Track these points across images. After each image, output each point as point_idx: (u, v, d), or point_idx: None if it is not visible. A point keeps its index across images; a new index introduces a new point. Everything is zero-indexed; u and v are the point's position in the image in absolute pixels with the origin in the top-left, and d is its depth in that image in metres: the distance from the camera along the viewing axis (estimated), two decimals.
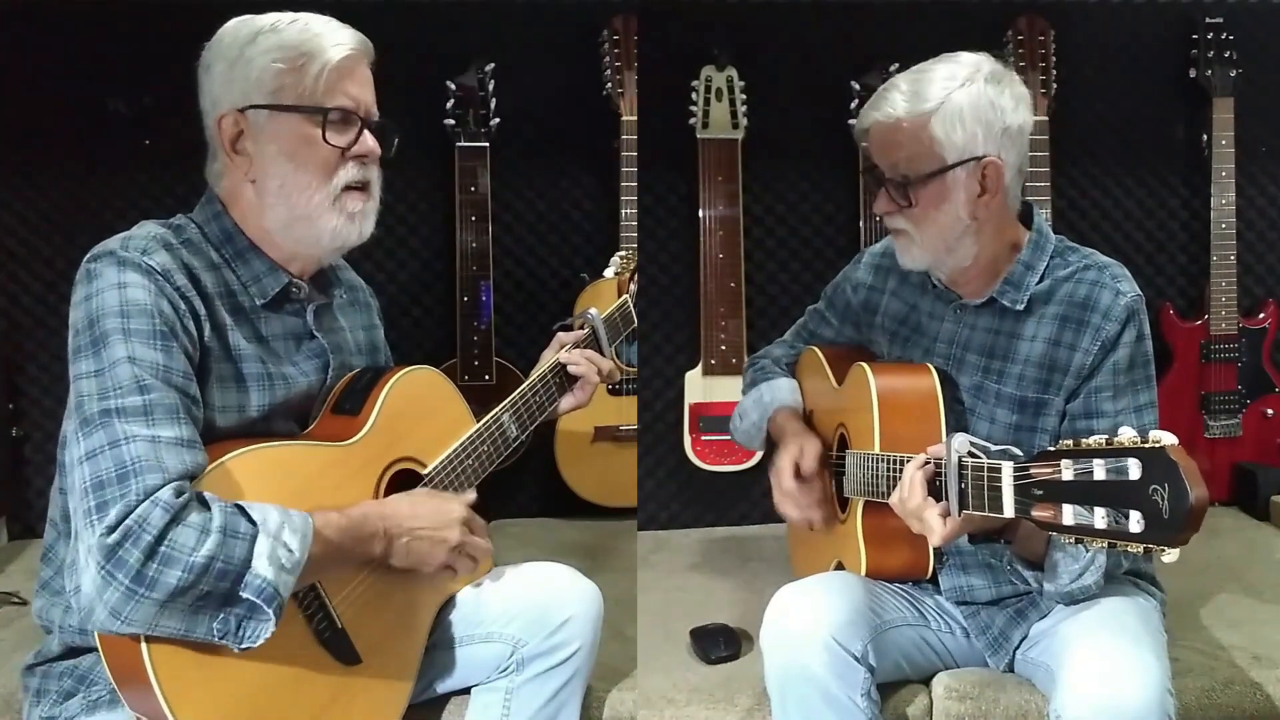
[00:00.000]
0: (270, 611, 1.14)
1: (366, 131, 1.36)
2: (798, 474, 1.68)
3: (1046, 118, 2.43)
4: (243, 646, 1.15)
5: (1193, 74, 2.52)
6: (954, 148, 1.46)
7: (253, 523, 1.16)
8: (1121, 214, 2.62)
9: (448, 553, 1.37)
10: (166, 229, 1.32)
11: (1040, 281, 1.55)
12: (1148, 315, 1.54)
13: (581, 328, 1.72)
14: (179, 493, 1.13)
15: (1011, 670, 1.59)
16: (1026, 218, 1.59)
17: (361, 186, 1.37)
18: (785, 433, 1.77)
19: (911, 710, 1.59)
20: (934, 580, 1.62)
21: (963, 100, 1.45)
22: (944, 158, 1.46)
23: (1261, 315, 2.58)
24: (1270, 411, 2.59)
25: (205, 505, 1.15)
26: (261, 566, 1.14)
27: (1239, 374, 2.56)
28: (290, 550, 1.16)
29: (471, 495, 1.47)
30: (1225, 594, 2.03)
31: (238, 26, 1.34)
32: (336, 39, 1.34)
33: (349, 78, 1.34)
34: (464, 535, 1.38)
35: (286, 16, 1.34)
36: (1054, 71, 2.45)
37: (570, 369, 1.67)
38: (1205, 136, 2.52)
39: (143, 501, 1.11)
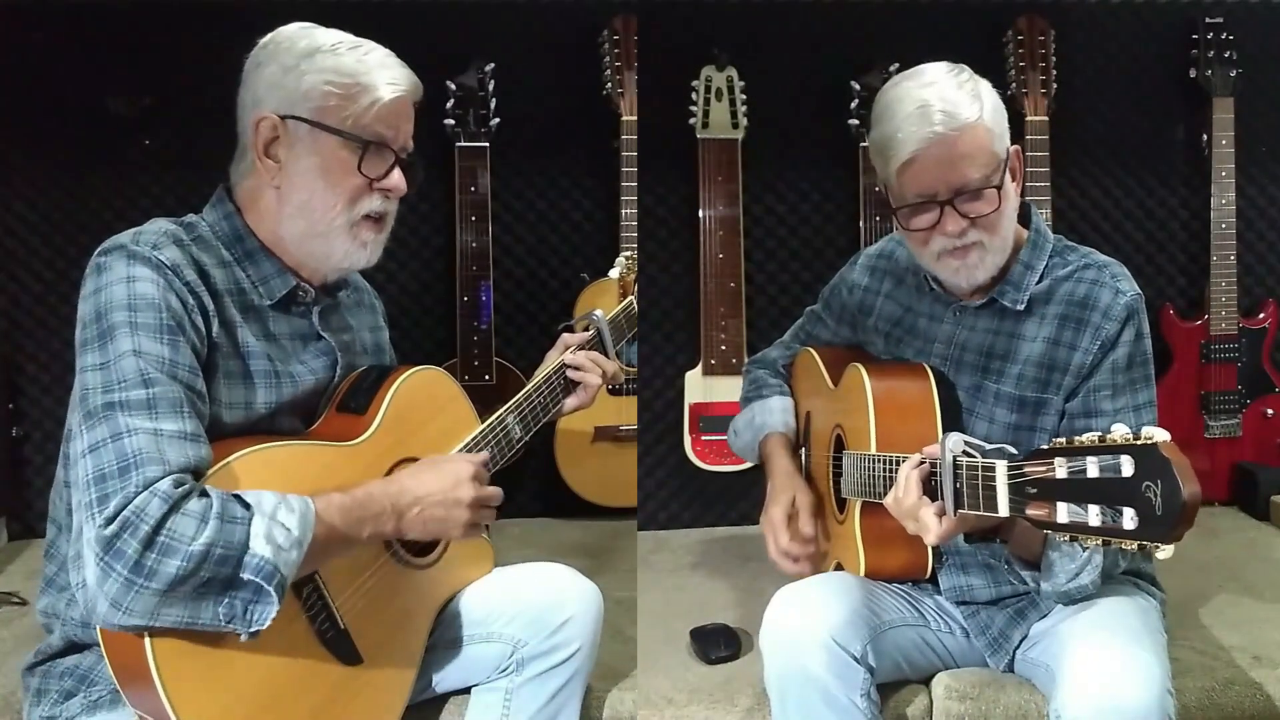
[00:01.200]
0: (272, 590, 1.14)
1: (398, 168, 1.37)
2: (791, 524, 1.68)
3: (1046, 118, 2.43)
4: (251, 630, 1.15)
5: (1193, 74, 2.52)
6: (1001, 140, 1.47)
7: (247, 506, 1.16)
8: (1121, 214, 2.62)
9: (467, 511, 1.36)
10: (178, 225, 1.33)
11: (1040, 281, 1.55)
12: (1148, 315, 1.54)
13: (586, 329, 1.72)
14: (178, 483, 1.13)
15: (1011, 670, 1.59)
16: (1023, 217, 1.59)
17: (379, 218, 1.39)
18: (776, 473, 1.76)
19: (911, 710, 1.59)
20: (933, 580, 1.62)
21: (988, 93, 1.46)
22: (999, 153, 1.46)
23: (1261, 315, 2.59)
24: (1270, 411, 2.59)
25: (205, 494, 1.15)
26: (259, 546, 1.14)
27: (1239, 374, 2.56)
28: (288, 529, 1.16)
29: (484, 455, 1.46)
30: (1225, 594, 2.02)
31: (298, 35, 1.35)
32: (391, 77, 1.35)
33: (395, 114, 1.36)
34: (478, 489, 1.37)
35: (348, 40, 1.36)
36: (1054, 71, 2.45)
37: (574, 371, 1.67)
38: (1205, 136, 2.52)
39: (141, 493, 1.11)
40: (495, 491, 1.41)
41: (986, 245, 1.49)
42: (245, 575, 1.13)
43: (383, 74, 1.35)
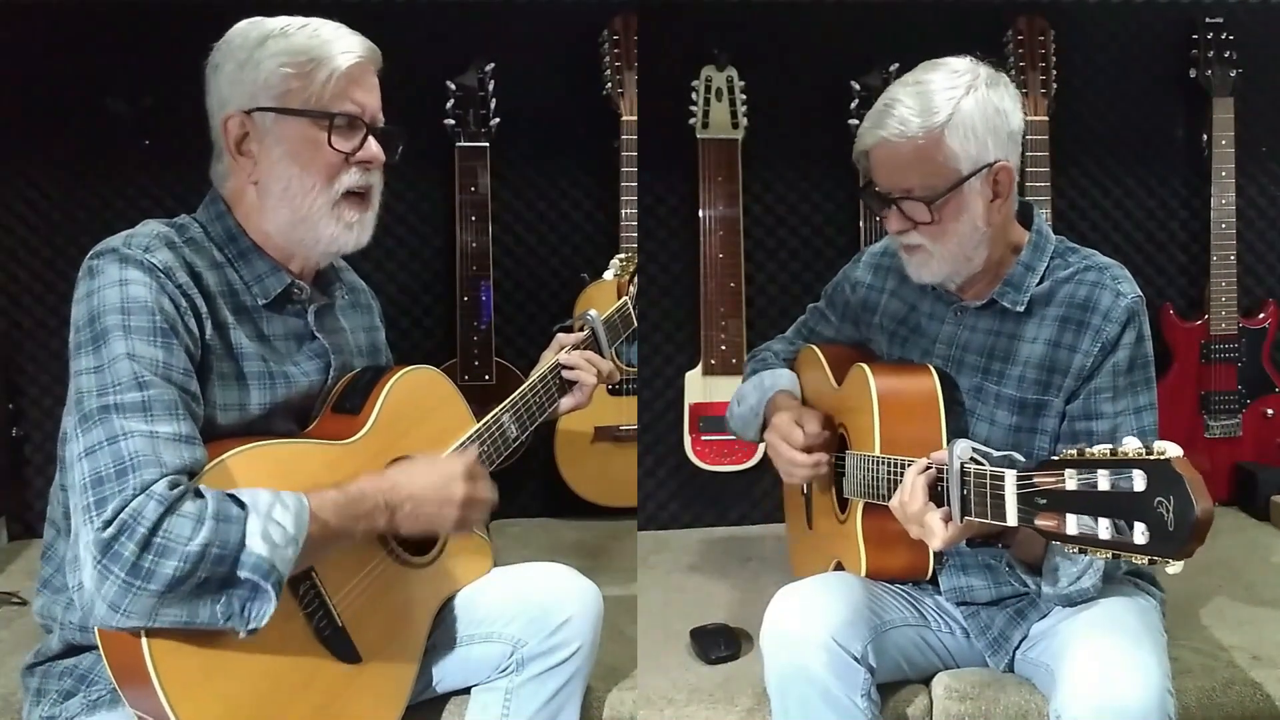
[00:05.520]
0: (269, 588, 1.14)
1: (371, 138, 1.36)
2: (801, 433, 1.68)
3: (1046, 118, 2.43)
4: (249, 628, 1.15)
5: (1193, 74, 2.52)
6: (969, 158, 1.45)
7: (242, 506, 1.16)
8: (1121, 214, 2.62)
9: (458, 509, 1.36)
10: (170, 227, 1.33)
11: (1040, 283, 1.55)
12: (1148, 315, 1.54)
13: (581, 329, 1.73)
14: (173, 485, 1.14)
15: (1011, 670, 1.59)
16: (1025, 218, 1.59)
17: (362, 193, 1.38)
18: (784, 408, 1.76)
19: (911, 710, 1.59)
20: (934, 581, 1.62)
21: (971, 108, 1.44)
22: (960, 170, 1.45)
23: (1261, 315, 2.58)
24: (1270, 411, 2.59)
25: (200, 495, 1.15)
26: (255, 544, 1.14)
27: (1239, 374, 2.56)
28: (283, 526, 1.16)
29: (474, 451, 1.46)
30: (1225, 594, 2.03)
31: (247, 29, 1.35)
32: (345, 46, 1.34)
33: (356, 84, 1.35)
34: (470, 488, 1.38)
35: (297, 21, 1.35)
36: (1054, 71, 2.45)
37: (569, 370, 1.67)
38: (1205, 136, 2.52)
39: (138, 495, 1.12)
40: (487, 492, 1.42)
41: (930, 250, 1.51)
42: (242, 574, 1.13)
43: (336, 45, 1.34)
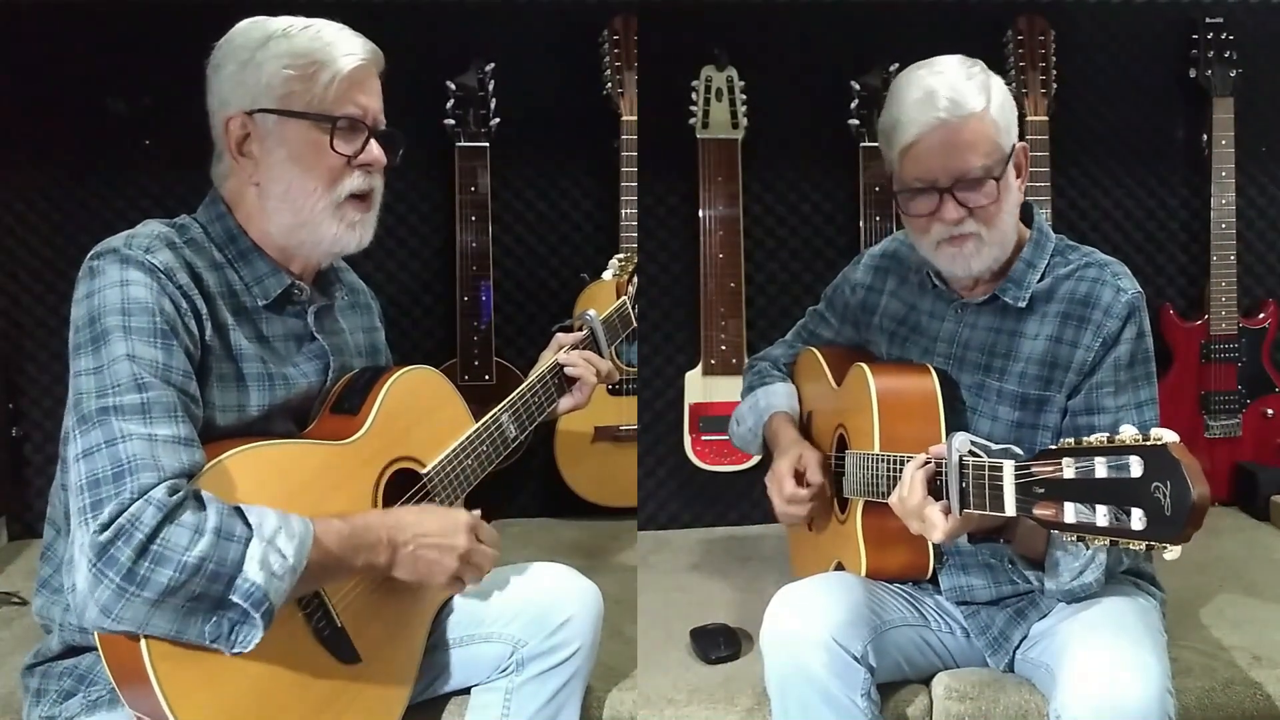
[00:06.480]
0: (258, 617, 1.14)
1: (373, 140, 1.36)
2: (800, 481, 1.68)
3: (1046, 118, 2.43)
4: (234, 651, 1.15)
5: (1193, 74, 2.52)
6: (1008, 134, 1.47)
7: (248, 525, 1.15)
8: (1121, 214, 2.62)
9: (457, 560, 1.35)
10: (170, 228, 1.32)
11: (1041, 279, 1.56)
12: (1148, 314, 1.54)
13: (580, 329, 1.73)
14: (173, 491, 1.13)
15: (1011, 670, 1.59)
16: (1025, 217, 1.59)
17: (364, 195, 1.37)
18: (781, 440, 1.77)
19: (911, 710, 1.59)
20: (934, 580, 1.62)
21: (998, 89, 1.48)
22: (1004, 146, 1.47)
23: (1261, 315, 2.58)
24: (1270, 411, 2.59)
25: (201, 505, 1.15)
26: (252, 571, 1.13)
27: (1239, 374, 2.56)
28: (284, 556, 1.15)
29: (475, 513, 1.44)
30: (1225, 594, 2.03)
31: (249, 28, 1.35)
32: (348, 48, 1.34)
33: (358, 87, 1.34)
34: (471, 542, 1.37)
35: (300, 22, 1.35)
36: (1054, 71, 2.45)
37: (568, 370, 1.67)
38: (1205, 136, 2.52)
39: (136, 500, 1.11)
40: (489, 551, 1.40)
41: (984, 237, 1.49)
42: (234, 598, 1.13)
43: (339, 47, 1.33)
